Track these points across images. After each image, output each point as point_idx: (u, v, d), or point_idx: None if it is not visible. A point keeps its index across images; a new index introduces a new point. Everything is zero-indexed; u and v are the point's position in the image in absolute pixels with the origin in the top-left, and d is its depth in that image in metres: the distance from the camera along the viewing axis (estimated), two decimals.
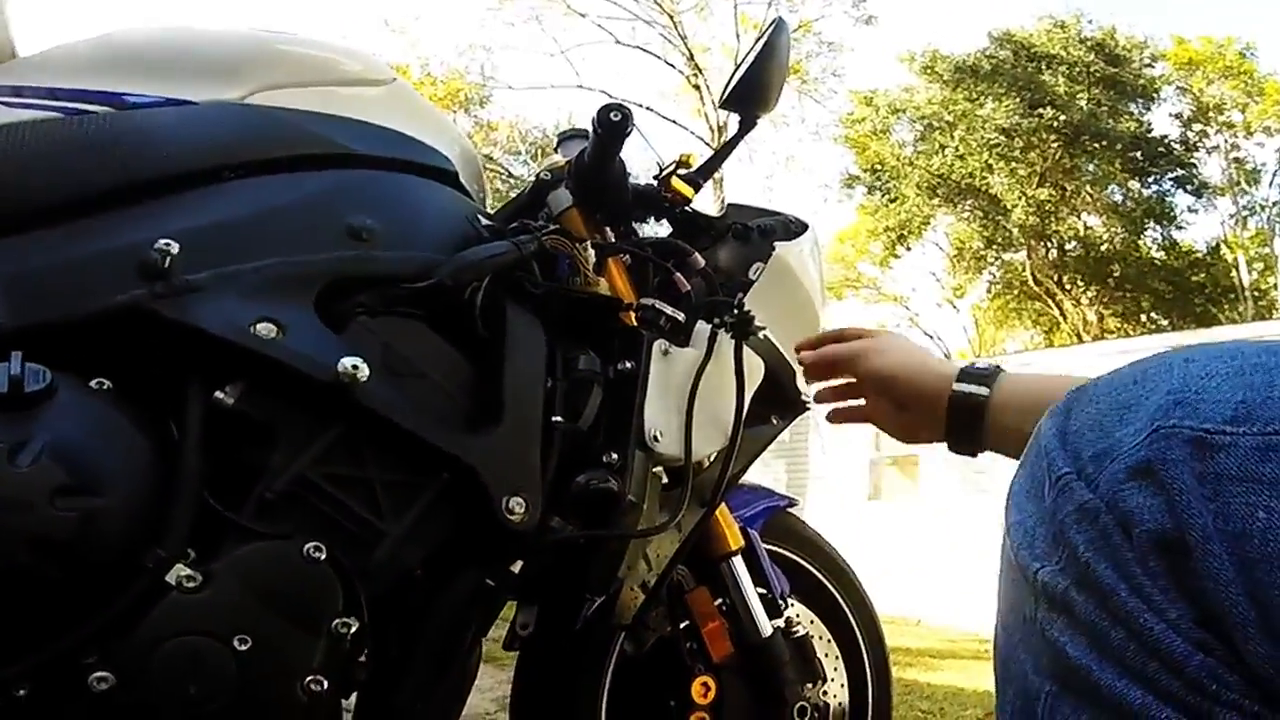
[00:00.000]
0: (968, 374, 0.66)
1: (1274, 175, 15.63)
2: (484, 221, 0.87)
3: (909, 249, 15.68)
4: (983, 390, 0.64)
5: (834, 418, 0.84)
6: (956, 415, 0.65)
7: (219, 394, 0.63)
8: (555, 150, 1.26)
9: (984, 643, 6.15)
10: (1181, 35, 15.47)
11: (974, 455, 0.67)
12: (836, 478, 9.25)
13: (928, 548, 8.31)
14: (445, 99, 14.68)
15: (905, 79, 15.68)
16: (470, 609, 0.74)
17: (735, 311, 0.84)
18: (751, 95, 1.05)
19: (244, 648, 0.58)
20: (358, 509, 0.66)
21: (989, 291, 16.42)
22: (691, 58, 15.19)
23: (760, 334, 0.87)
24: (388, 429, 0.67)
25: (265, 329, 0.63)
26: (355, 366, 0.64)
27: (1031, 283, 15.01)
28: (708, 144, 14.67)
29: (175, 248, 0.62)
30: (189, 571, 0.58)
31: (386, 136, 0.84)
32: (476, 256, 0.74)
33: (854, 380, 0.78)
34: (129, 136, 0.72)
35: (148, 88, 0.75)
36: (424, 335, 0.73)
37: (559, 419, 0.76)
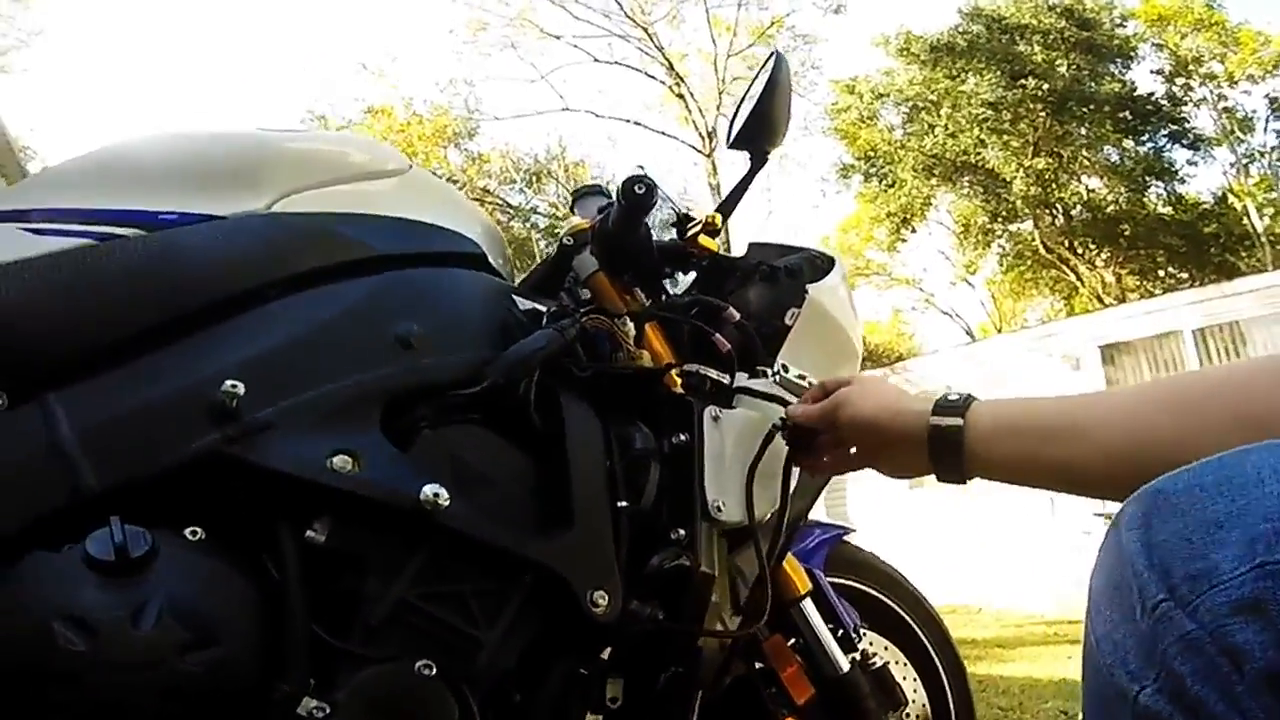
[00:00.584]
0: (941, 407, 0.68)
1: (1267, 121, 15.48)
2: (521, 305, 0.88)
3: (914, 231, 15.63)
4: (956, 421, 0.66)
5: (827, 468, 0.85)
6: (937, 448, 0.67)
7: (310, 532, 0.65)
8: (571, 209, 1.27)
9: (1051, 625, 6.06)
10: None
11: (962, 483, 0.69)
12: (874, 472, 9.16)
13: (975, 532, 8.22)
14: (433, 136, 14.84)
15: (883, 62, 15.71)
16: (569, 697, 0.75)
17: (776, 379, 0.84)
18: (759, 132, 1.05)
19: None
20: (456, 622, 0.68)
21: (1001, 264, 16.32)
22: (671, 67, 15.29)
23: (804, 384, 0.87)
24: (472, 544, 0.69)
25: (341, 462, 0.65)
26: (436, 494, 0.65)
27: (1043, 251, 14.91)
28: (699, 150, 14.76)
29: (241, 387, 0.63)
30: (316, 702, 0.60)
31: (413, 230, 0.86)
32: (525, 352, 0.75)
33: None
34: (170, 262, 0.71)
35: (174, 203, 0.75)
36: (486, 440, 0.74)
37: (624, 503, 0.77)
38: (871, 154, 15.37)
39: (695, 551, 0.79)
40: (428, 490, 0.65)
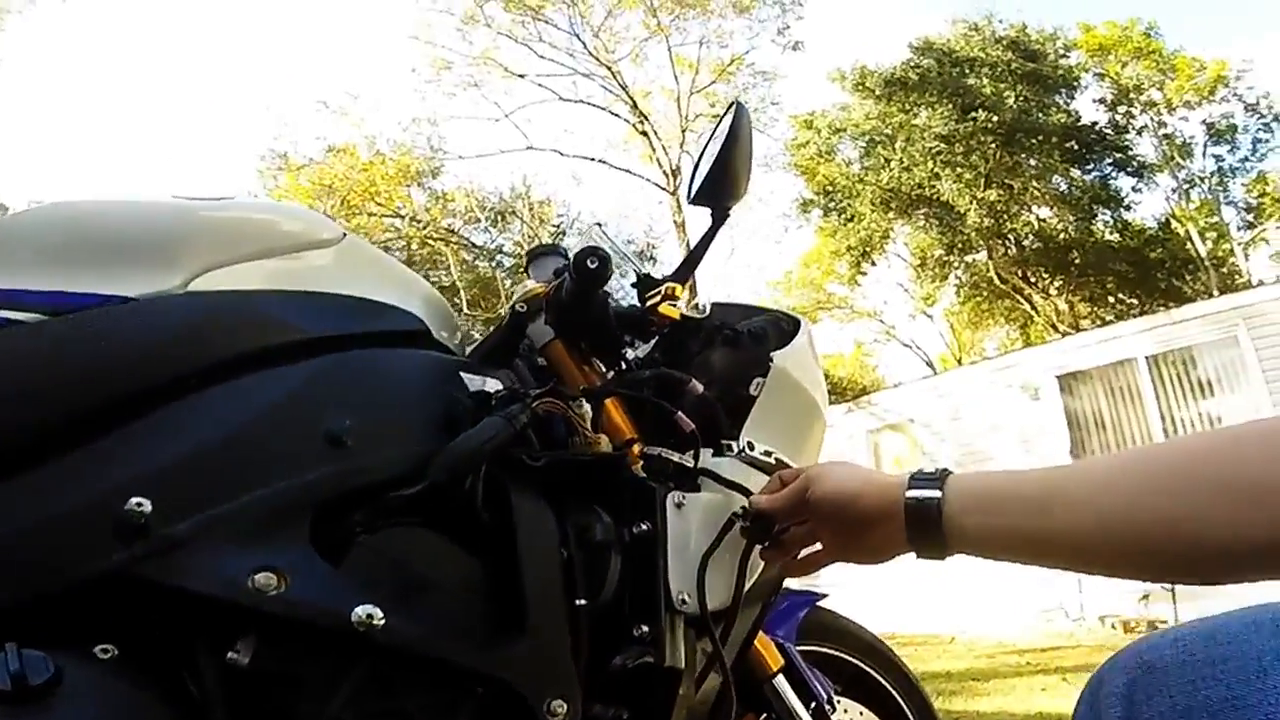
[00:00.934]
0: (917, 480, 0.65)
1: (1204, 147, 16.14)
2: (469, 383, 0.83)
3: (874, 264, 15.91)
4: (934, 494, 0.63)
5: (799, 570, 0.82)
6: (915, 523, 0.64)
7: (232, 654, 0.58)
8: (525, 271, 1.23)
9: (1022, 654, 6.06)
10: (1087, 22, 16.11)
11: (942, 559, 0.66)
12: None
13: (943, 563, 8.23)
14: (396, 176, 14.73)
15: (839, 97, 16.10)
16: None
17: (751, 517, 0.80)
18: (721, 186, 1.01)
19: None
20: None
21: (958, 295, 16.66)
22: (635, 105, 15.46)
23: (771, 461, 0.84)
24: (414, 659, 0.63)
25: (265, 580, 0.58)
26: (370, 614, 0.59)
27: (997, 281, 15.25)
28: (663, 188, 14.90)
29: (148, 505, 0.57)
30: None
31: (347, 308, 0.80)
32: (470, 446, 0.69)
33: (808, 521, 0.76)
34: (68, 353, 0.64)
35: (74, 283, 0.67)
36: (427, 542, 0.68)
37: (582, 601, 0.72)
38: (830, 188, 15.68)
39: (661, 648, 0.74)
40: (360, 611, 0.59)
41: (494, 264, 15.40)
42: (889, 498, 0.66)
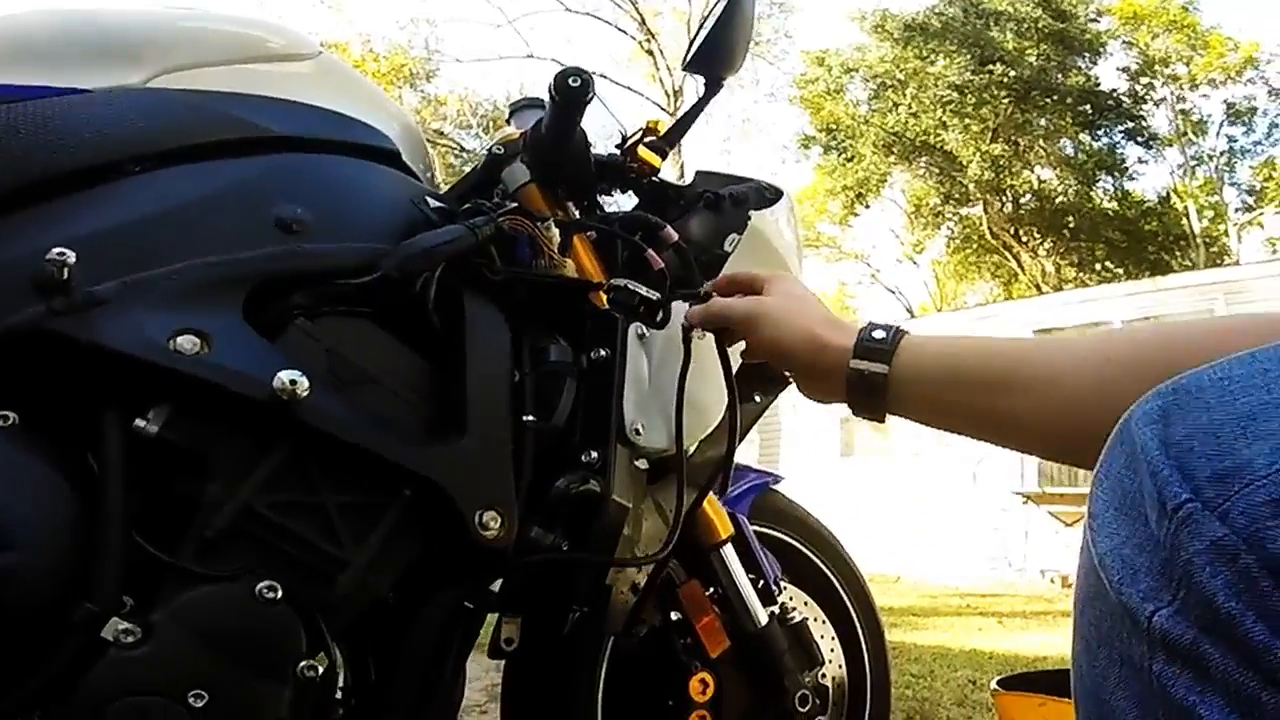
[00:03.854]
0: (865, 349, 0.60)
1: (1219, 126, 15.97)
2: (433, 204, 0.79)
3: (868, 207, 15.78)
4: (881, 368, 0.59)
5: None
6: (855, 390, 0.60)
7: (140, 421, 0.55)
8: (507, 121, 1.17)
9: (964, 597, 6.29)
10: None
11: (881, 421, 0.62)
12: (809, 436, 9.34)
13: (900, 502, 8.46)
14: (389, 74, 14.27)
15: (857, 38, 15.67)
16: (450, 632, 0.68)
17: (708, 298, 0.76)
18: (716, 57, 0.99)
19: (200, 704, 0.52)
20: (313, 538, 0.59)
21: (948, 246, 16.63)
22: (643, 22, 14.95)
23: None
24: (338, 447, 0.59)
25: (187, 343, 0.55)
26: (294, 381, 0.56)
27: (989, 236, 15.22)
28: (664, 109, 14.53)
29: (72, 256, 0.54)
30: (127, 625, 0.51)
31: (314, 115, 0.76)
32: (426, 244, 0.65)
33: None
34: (18, 133, 0.62)
35: (33, 77, 0.66)
36: (372, 336, 0.65)
37: (531, 418, 0.69)
38: (834, 127, 15.39)
39: (608, 477, 0.72)
40: (284, 376, 0.56)
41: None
42: (831, 362, 0.61)
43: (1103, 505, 0.29)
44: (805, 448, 9.39)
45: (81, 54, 0.70)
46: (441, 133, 14.91)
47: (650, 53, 15.08)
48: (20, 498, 0.52)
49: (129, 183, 0.63)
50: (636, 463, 0.78)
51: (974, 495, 8.04)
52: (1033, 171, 15.12)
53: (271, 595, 0.55)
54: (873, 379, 0.59)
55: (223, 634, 0.54)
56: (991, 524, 7.93)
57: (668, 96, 14.67)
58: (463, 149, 15.14)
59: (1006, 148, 14.14)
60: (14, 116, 0.62)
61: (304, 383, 0.56)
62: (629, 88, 15.43)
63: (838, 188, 15.42)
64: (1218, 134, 16.03)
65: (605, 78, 15.49)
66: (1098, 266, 15.45)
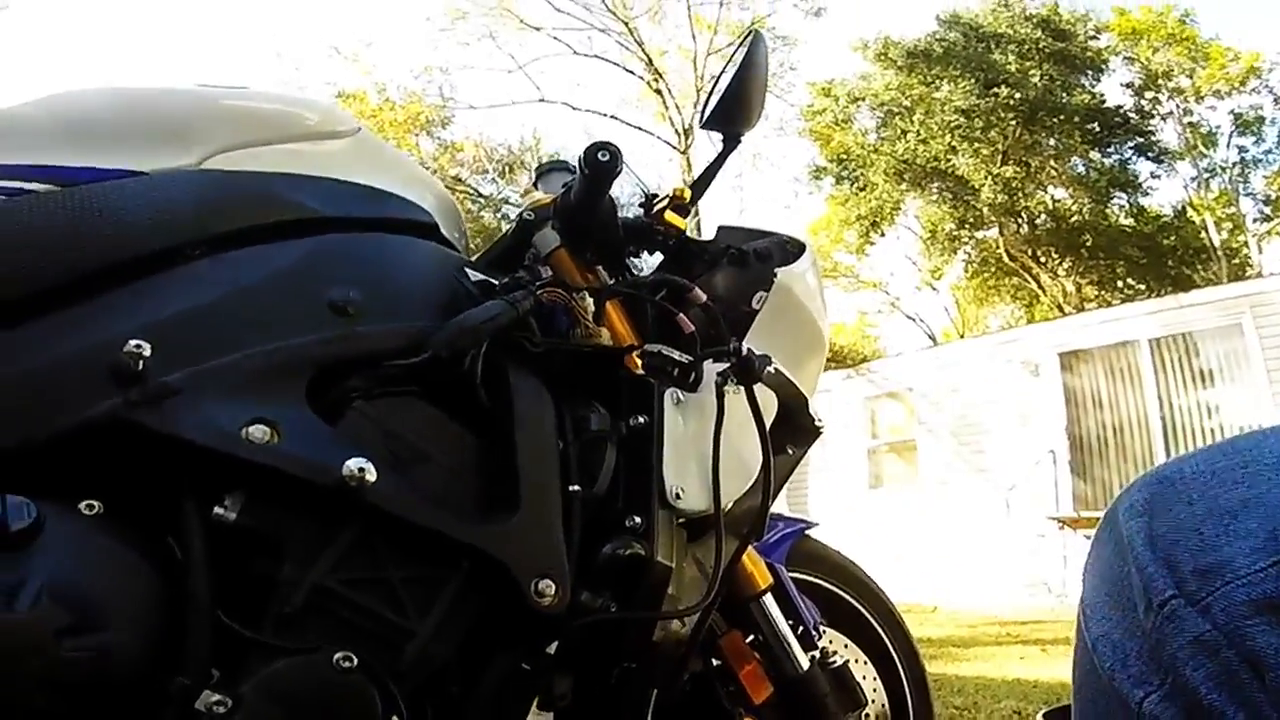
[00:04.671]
0: None
1: (1229, 137, 15.89)
2: (472, 276, 0.83)
3: (883, 235, 15.77)
4: None
5: None
6: None
7: (219, 509, 0.59)
8: (534, 185, 1.22)
9: (1003, 625, 6.15)
10: (1122, 6, 15.74)
11: None
12: (837, 469, 9.25)
13: (932, 533, 8.33)
14: (405, 123, 14.59)
15: (860, 67, 15.82)
16: (508, 693, 0.70)
17: (738, 358, 0.80)
18: (733, 113, 1.03)
19: None
20: (382, 611, 0.62)
21: (966, 271, 16.53)
22: (650, 62, 15.20)
23: (769, 370, 0.83)
24: (402, 525, 0.63)
25: (259, 432, 0.59)
26: (361, 469, 0.59)
27: (1007, 259, 15.13)
28: (674, 147, 14.72)
29: (147, 348, 0.57)
30: (218, 697, 0.54)
31: (357, 194, 0.80)
32: (472, 322, 0.69)
33: None
34: (79, 218, 0.65)
35: (92, 159, 0.69)
36: (424, 414, 0.68)
37: (576, 487, 0.72)
38: (844, 157, 15.47)
39: (651, 540, 0.74)
40: (351, 465, 0.59)
41: (500, 215, 15.29)
42: None
43: (1094, 591, 0.31)
44: (834, 480, 9.30)
45: (135, 136, 0.73)
46: (459, 179, 15.18)
47: (659, 91, 15.32)
48: (113, 581, 0.55)
49: (191, 269, 0.66)
50: (676, 524, 0.80)
51: (1007, 523, 7.91)
52: (1046, 192, 15.07)
53: (348, 665, 0.58)
54: None
55: (306, 702, 0.57)
56: (1027, 550, 7.78)
57: (678, 135, 14.87)
58: (479, 194, 15.41)
59: (1018, 169, 14.13)
60: (82, 200, 0.65)
61: (370, 469, 0.59)
62: (640, 128, 15.66)
63: (852, 217, 15.45)
64: (1228, 145, 15.93)
65: (616, 119, 15.77)
66: (1119, 284, 15.29)
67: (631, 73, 15.60)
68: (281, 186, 0.75)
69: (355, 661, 0.58)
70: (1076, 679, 0.33)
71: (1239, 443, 0.29)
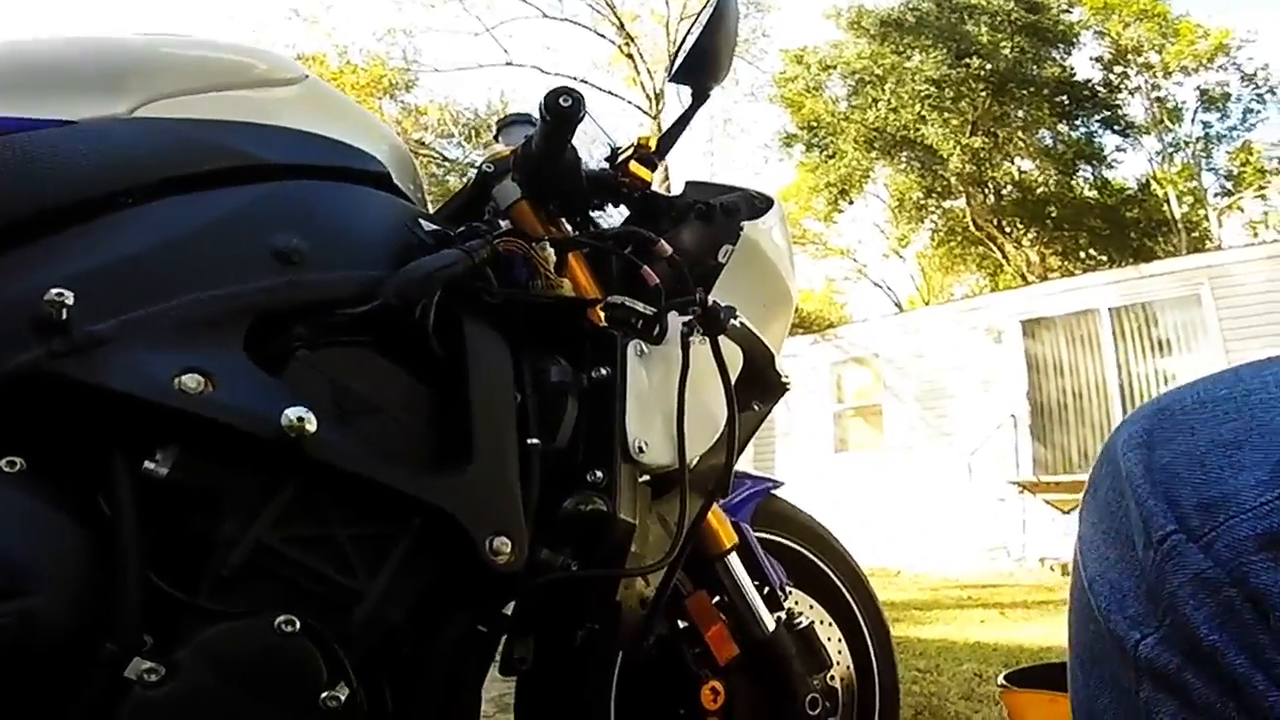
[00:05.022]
0: None
1: (1194, 113, 16.13)
2: (426, 226, 0.79)
3: (851, 203, 15.84)
4: None
5: None
6: None
7: (150, 464, 0.55)
8: (495, 138, 1.17)
9: (964, 589, 6.30)
10: None
11: None
12: (803, 433, 9.36)
13: (896, 497, 8.49)
14: (368, 86, 14.18)
15: (833, 35, 15.74)
16: (465, 656, 0.68)
17: (703, 309, 0.77)
18: (702, 66, 1.00)
19: None
20: (327, 571, 0.59)
21: (933, 239, 16.70)
22: (622, 26, 14.94)
23: (734, 323, 0.81)
24: (348, 480, 0.60)
25: (192, 381, 0.55)
26: (300, 418, 0.56)
27: (973, 228, 15.29)
28: (646, 112, 14.55)
29: (70, 296, 0.53)
30: (150, 664, 0.51)
31: (304, 141, 0.76)
32: (423, 270, 0.66)
33: None
34: (5, 170, 0.61)
35: (20, 108, 0.65)
36: (374, 364, 0.65)
37: (535, 440, 0.70)
38: (815, 124, 15.45)
39: (614, 496, 0.72)
40: (291, 414, 0.56)
41: (465, 179, 15.04)
42: None
43: (1090, 528, 0.30)
44: (799, 444, 9.41)
45: (64, 84, 0.69)
46: (423, 143, 14.86)
47: (630, 56, 15.08)
48: (35, 542, 0.51)
49: (122, 216, 0.62)
50: (638, 479, 0.78)
51: (969, 487, 8.08)
52: (1013, 163, 15.22)
53: (290, 629, 0.55)
54: None
55: (245, 669, 0.54)
56: (988, 514, 7.96)
57: (649, 100, 14.68)
58: (445, 158, 15.12)
59: (986, 140, 14.23)
60: (3, 151, 0.61)
61: (311, 418, 0.56)
62: (610, 92, 15.41)
63: (821, 185, 15.47)
64: (1193, 120, 16.19)
65: (587, 83, 15.46)
66: (1082, 255, 15.55)
67: (603, 36, 15.32)
68: (220, 133, 0.70)
69: (298, 625, 0.55)
70: (1072, 622, 0.31)
71: (1241, 371, 0.28)
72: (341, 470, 0.59)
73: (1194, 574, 0.25)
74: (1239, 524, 0.24)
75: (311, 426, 0.56)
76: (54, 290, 0.53)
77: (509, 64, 14.80)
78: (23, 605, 0.49)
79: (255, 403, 0.57)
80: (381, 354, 0.65)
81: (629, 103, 15.07)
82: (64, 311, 0.53)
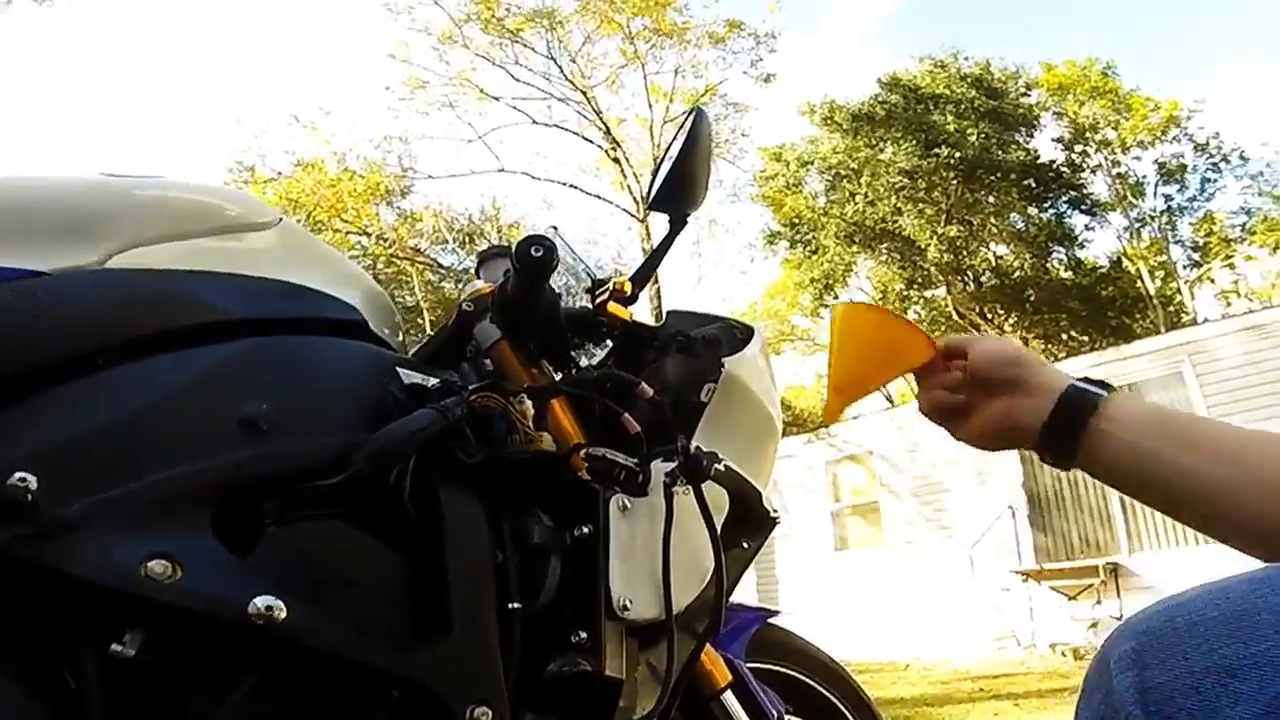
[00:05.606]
0: (1083, 379, 0.66)
1: (1155, 186, 16.75)
2: (404, 377, 0.78)
3: (836, 296, 16.11)
4: (1100, 391, 0.64)
5: (973, 429, 0.78)
6: (1064, 411, 0.64)
7: (117, 646, 0.53)
8: (476, 273, 1.19)
9: (975, 680, 6.09)
10: (1049, 61, 16.69)
11: (1066, 468, 0.66)
12: (802, 533, 9.21)
13: (899, 590, 8.29)
14: (365, 193, 14.55)
15: (808, 130, 16.39)
16: None
17: (686, 457, 0.77)
18: (679, 193, 1.02)
19: None
20: None
21: None
22: (608, 131, 15.51)
23: (718, 467, 0.80)
24: (321, 658, 0.58)
25: (159, 567, 0.53)
26: (269, 606, 0.54)
27: (956, 316, 15.54)
28: (633, 215, 14.96)
29: (33, 481, 0.52)
30: None
31: (277, 291, 0.75)
32: (399, 434, 0.65)
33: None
34: None
35: None
36: (347, 537, 0.63)
37: (516, 604, 0.68)
38: (796, 221, 15.89)
39: (599, 655, 0.70)
40: (259, 602, 0.54)
41: (460, 285, 15.27)
42: (1051, 376, 0.67)
43: None
44: (799, 545, 9.26)
45: (32, 230, 0.67)
46: (418, 250, 15.16)
47: (616, 160, 15.60)
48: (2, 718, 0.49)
49: (87, 384, 0.60)
50: (625, 634, 0.76)
51: (972, 579, 7.92)
52: (989, 248, 15.64)
53: None
54: (1087, 399, 0.63)
55: None
56: (994, 604, 7.77)
57: (636, 203, 15.10)
58: (439, 265, 15.39)
59: (961, 228, 14.66)
60: None
61: (280, 605, 0.54)
62: (599, 196, 15.91)
63: (806, 280, 15.78)
64: (1155, 194, 16.78)
65: (575, 188, 16.01)
66: (1063, 337, 15.79)
67: (590, 141, 15.89)
68: (192, 286, 0.69)
69: None
70: None
71: (1229, 591, 0.27)
72: (313, 650, 0.57)
73: None
74: None
75: (281, 613, 0.54)
76: (17, 475, 0.52)
77: (501, 170, 15.34)
78: None
79: (223, 588, 0.55)
80: (354, 524, 0.64)
81: (617, 206, 15.53)
82: (28, 495, 0.52)
